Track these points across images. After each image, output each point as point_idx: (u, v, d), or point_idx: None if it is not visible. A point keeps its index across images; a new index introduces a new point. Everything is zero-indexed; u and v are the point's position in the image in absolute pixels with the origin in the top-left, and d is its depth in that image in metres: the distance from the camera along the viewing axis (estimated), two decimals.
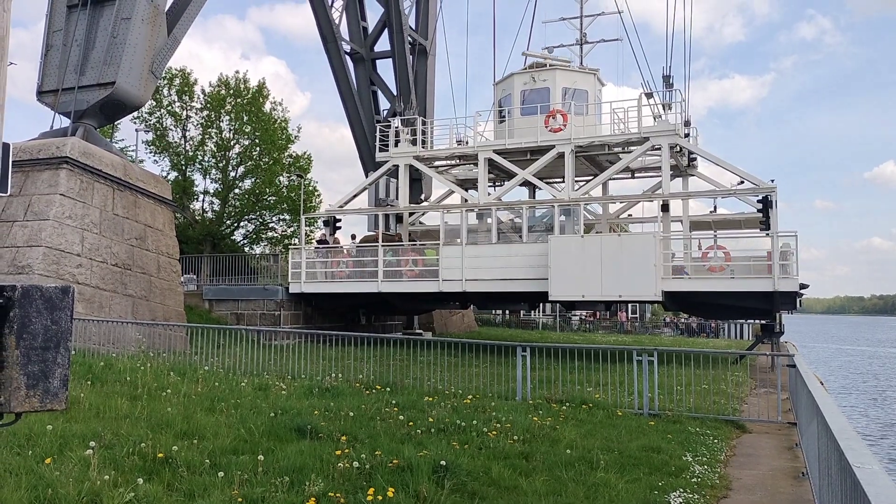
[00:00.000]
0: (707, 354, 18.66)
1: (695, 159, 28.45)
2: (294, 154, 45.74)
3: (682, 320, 53.98)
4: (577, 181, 28.84)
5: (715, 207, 29.49)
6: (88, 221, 20.32)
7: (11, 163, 6.79)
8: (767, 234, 22.93)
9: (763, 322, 25.46)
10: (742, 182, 24.99)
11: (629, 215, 32.32)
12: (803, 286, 23.24)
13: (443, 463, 7.52)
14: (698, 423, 11.80)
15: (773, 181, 23.94)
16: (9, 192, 7.03)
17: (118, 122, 34.71)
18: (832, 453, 4.73)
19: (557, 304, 38.88)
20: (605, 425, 11.21)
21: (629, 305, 51.57)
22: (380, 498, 6.55)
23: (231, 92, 43.38)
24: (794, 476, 8.83)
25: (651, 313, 59.28)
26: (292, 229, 45.10)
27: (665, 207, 26.14)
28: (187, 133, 43.63)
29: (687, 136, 27.74)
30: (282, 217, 45.74)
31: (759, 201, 24.16)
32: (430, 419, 10.43)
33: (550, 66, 29.92)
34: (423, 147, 29.90)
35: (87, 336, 17.52)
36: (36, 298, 3.08)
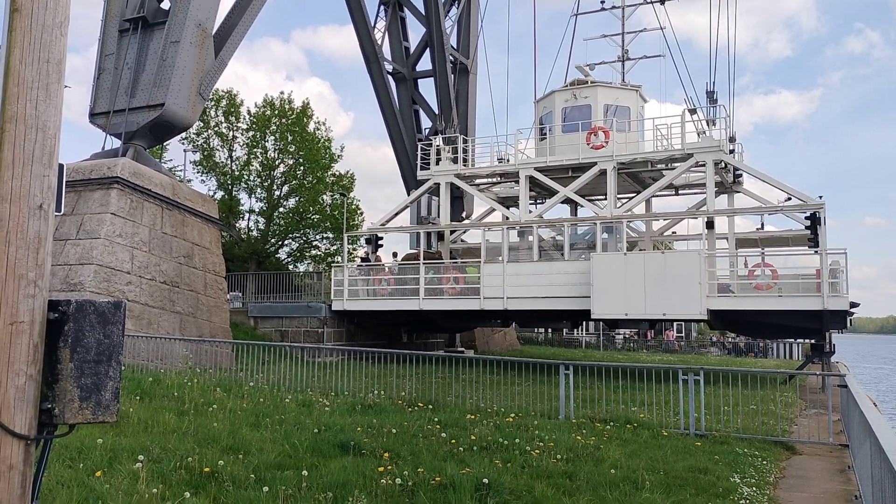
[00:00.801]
0: (755, 374, 18.24)
1: (740, 175, 28.01)
2: (337, 173, 46.33)
3: (730, 339, 52.97)
4: (619, 198, 28.61)
5: (762, 224, 29.02)
6: (138, 240, 20.82)
7: (65, 183, 7.03)
8: (816, 252, 22.42)
9: (813, 341, 24.84)
10: (789, 199, 24.52)
11: (673, 232, 31.92)
12: (854, 305, 22.62)
13: (485, 481, 7.48)
14: (746, 444, 11.53)
15: (821, 197, 23.45)
16: (62, 212, 7.26)
17: (167, 142, 35.58)
18: (886, 475, 4.59)
19: (601, 323, 38.46)
20: (650, 445, 11.03)
21: (675, 324, 50.82)
22: None
23: (276, 112, 44.19)
24: (846, 499, 8.58)
25: (697, 332, 58.27)
26: (335, 247, 45.58)
27: (710, 224, 25.76)
28: (233, 153, 44.54)
29: (732, 152, 27.37)
30: (325, 235, 46.28)
31: (806, 218, 23.66)
32: (473, 437, 10.38)
33: (592, 83, 29.85)
34: (464, 165, 30.00)
35: (137, 352, 17.89)
36: (89, 313, 3.16)
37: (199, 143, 43.71)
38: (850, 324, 23.91)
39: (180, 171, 42.53)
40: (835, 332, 24.19)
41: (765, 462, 10.41)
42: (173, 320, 21.44)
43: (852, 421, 10.34)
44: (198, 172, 44.28)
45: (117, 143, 22.81)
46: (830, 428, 12.36)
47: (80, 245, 19.84)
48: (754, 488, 8.76)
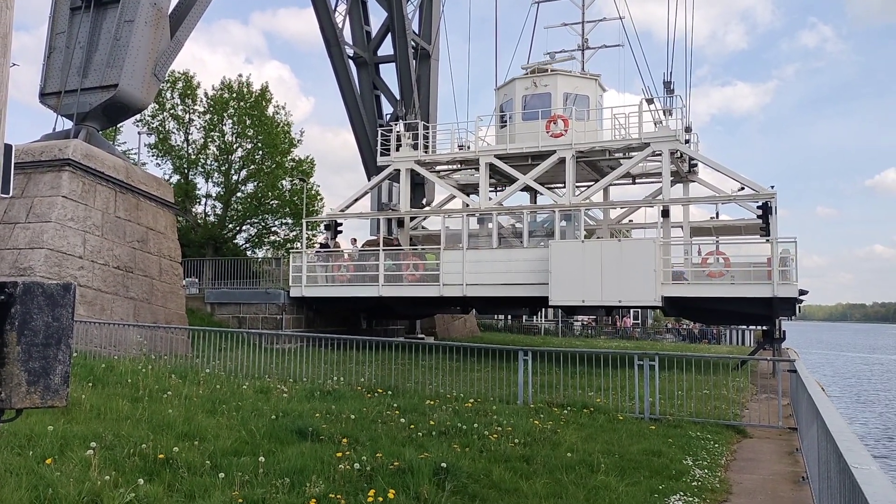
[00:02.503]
0: (708, 360, 18.60)
1: (695, 165, 28.47)
2: (297, 158, 45.83)
3: (684, 326, 53.96)
4: (577, 186, 28.84)
5: (717, 213, 29.55)
6: (90, 224, 20.35)
7: (14, 165, 6.82)
8: (767, 241, 22.92)
9: (764, 328, 25.45)
10: (742, 188, 25.00)
11: (630, 221, 32.33)
12: (803, 292, 23.21)
13: (444, 465, 7.52)
14: (699, 427, 11.79)
15: (772, 187, 23.95)
16: (11, 194, 7.06)
17: (120, 124, 34.77)
18: (831, 455, 4.74)
19: (559, 310, 38.86)
20: (605, 429, 11.20)
21: (631, 311, 51.59)
22: (380, 499, 6.56)
23: (234, 95, 43.49)
24: (794, 480, 8.83)
25: (653, 319, 59.25)
26: (295, 233, 45.15)
27: (665, 213, 26.14)
28: (190, 136, 43.76)
29: (687, 141, 27.78)
30: (284, 221, 45.82)
31: (758, 207, 24.16)
32: (432, 422, 10.43)
33: (552, 71, 29.98)
34: (424, 151, 29.93)
35: (89, 338, 17.53)
36: (37, 295, 3.09)
37: (154, 125, 42.85)
38: (799, 311, 24.53)
39: (134, 154, 41.65)
40: (784, 319, 24.82)
41: (717, 445, 10.65)
42: (127, 306, 21.05)
43: (801, 405, 10.63)
44: (153, 156, 43.46)
45: (69, 125, 22.21)
46: (780, 412, 12.70)
47: (31, 229, 19.32)
48: (706, 470, 8.97)
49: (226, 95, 43.37)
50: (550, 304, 25.09)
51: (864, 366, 60.88)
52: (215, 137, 43.35)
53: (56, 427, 8.26)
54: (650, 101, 27.98)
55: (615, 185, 30.82)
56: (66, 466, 6.94)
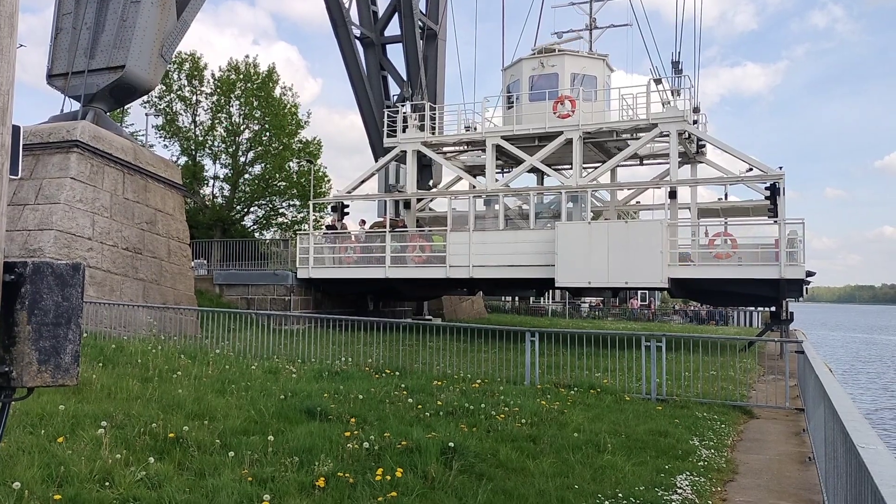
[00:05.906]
0: (715, 341, 18.55)
1: (703, 146, 28.28)
2: (304, 140, 45.77)
3: (692, 308, 53.91)
4: (585, 168, 28.71)
5: (726, 195, 29.36)
6: (99, 205, 20.41)
7: (22, 146, 6.81)
8: (775, 222, 22.81)
9: (772, 309, 25.40)
10: (750, 169, 24.84)
11: (638, 202, 32.20)
12: (810, 274, 23.12)
13: (451, 445, 7.57)
14: (706, 408, 11.81)
15: (781, 168, 23.79)
16: (20, 176, 7.06)
17: (128, 106, 34.79)
18: (838, 436, 4.75)
19: (566, 291, 38.86)
20: (612, 410, 11.24)
21: (639, 293, 51.55)
22: (388, 478, 6.60)
23: (241, 77, 43.37)
24: (800, 461, 8.85)
25: (661, 301, 59.19)
26: (302, 215, 45.20)
27: (673, 194, 26.02)
28: (197, 118, 43.70)
29: (696, 122, 27.59)
30: (291, 203, 45.88)
31: (766, 188, 24.03)
32: (439, 402, 10.48)
33: (559, 51, 29.77)
34: (431, 133, 29.81)
35: (99, 319, 17.65)
36: (47, 275, 3.10)
37: (162, 107, 42.81)
38: (806, 292, 24.46)
39: (142, 135, 41.57)
40: (792, 301, 24.74)
41: (723, 425, 10.68)
42: (136, 287, 21.15)
43: (808, 385, 10.63)
44: (160, 137, 43.47)
45: (76, 106, 22.22)
46: (787, 392, 12.70)
47: (39, 210, 19.40)
48: (713, 450, 9.00)
49: (233, 77, 43.27)
50: (557, 285, 25.08)
51: (863, 345, 60.89)
52: (222, 119, 43.33)
53: (67, 406, 8.34)
54: (658, 82, 27.77)
55: (622, 166, 30.67)
56: (77, 445, 7.02)
